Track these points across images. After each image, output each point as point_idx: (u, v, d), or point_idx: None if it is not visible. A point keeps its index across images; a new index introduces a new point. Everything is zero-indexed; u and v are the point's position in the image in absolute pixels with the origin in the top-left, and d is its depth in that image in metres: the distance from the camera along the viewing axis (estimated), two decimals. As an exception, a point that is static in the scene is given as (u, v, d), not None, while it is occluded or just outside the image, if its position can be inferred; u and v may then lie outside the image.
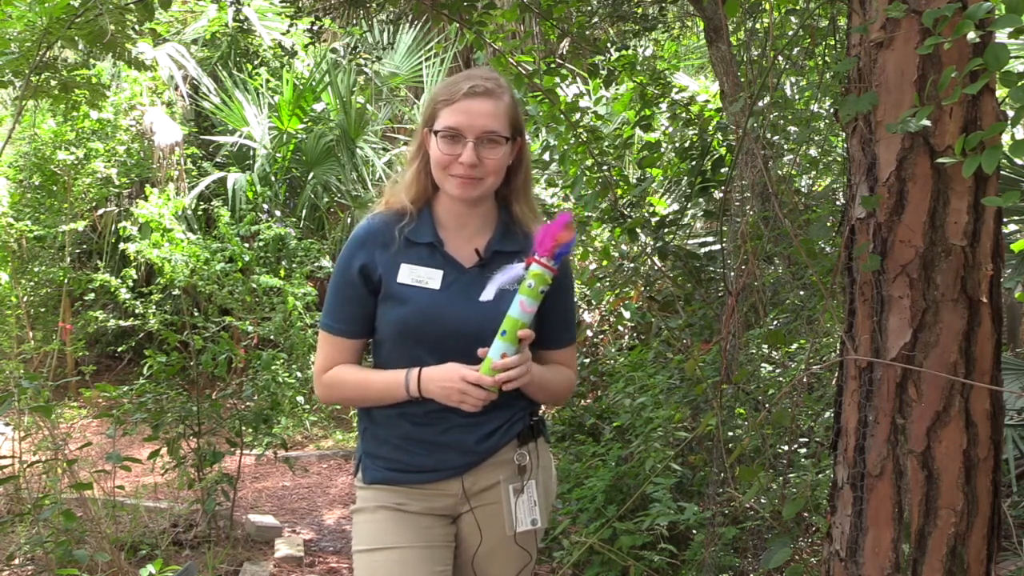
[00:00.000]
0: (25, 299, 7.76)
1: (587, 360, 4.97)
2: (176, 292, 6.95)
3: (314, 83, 8.39)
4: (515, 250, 1.84)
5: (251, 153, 8.39)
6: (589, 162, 3.81)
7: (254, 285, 6.84)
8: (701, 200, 4.53)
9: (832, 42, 3.40)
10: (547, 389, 1.88)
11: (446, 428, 1.81)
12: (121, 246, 7.48)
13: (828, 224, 3.16)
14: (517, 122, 1.85)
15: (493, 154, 1.78)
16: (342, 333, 1.86)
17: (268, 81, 8.51)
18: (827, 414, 3.20)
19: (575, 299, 2.18)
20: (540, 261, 1.72)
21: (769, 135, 3.79)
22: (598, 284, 4.48)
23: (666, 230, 3.96)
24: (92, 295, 7.66)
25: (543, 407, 2.02)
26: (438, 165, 1.80)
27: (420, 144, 1.86)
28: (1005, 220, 3.62)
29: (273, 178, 8.07)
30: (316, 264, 7.32)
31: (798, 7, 3.59)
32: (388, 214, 1.87)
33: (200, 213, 8.11)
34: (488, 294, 1.77)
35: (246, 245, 7.25)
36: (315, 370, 1.91)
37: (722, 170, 4.18)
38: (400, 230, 1.83)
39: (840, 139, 4.51)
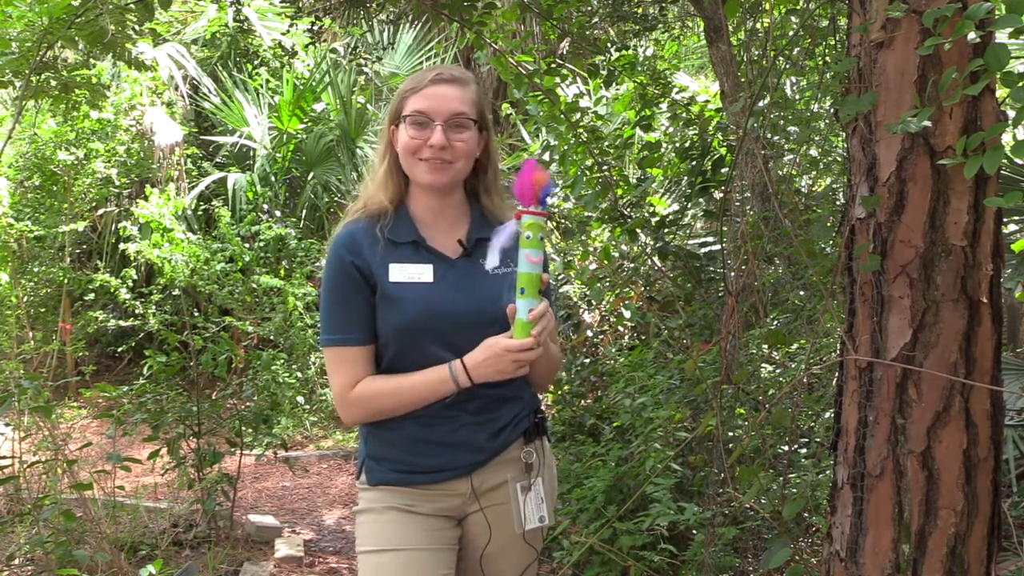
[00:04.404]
0: (25, 299, 7.75)
1: (587, 360, 4.96)
2: (176, 292, 6.95)
3: (314, 83, 8.39)
4: None
5: (251, 153, 8.39)
6: (589, 162, 3.81)
7: (254, 285, 6.85)
8: (701, 200, 4.53)
9: (832, 42, 3.40)
10: (550, 355, 1.84)
11: (456, 427, 1.80)
12: (121, 246, 7.48)
13: (828, 224, 3.16)
14: (484, 113, 1.83)
15: (462, 137, 1.78)
16: (354, 342, 1.78)
17: (268, 81, 8.50)
18: (827, 414, 3.20)
19: (550, 269, 2.17)
20: (529, 211, 1.71)
21: (769, 135, 3.79)
22: (598, 284, 4.48)
23: (666, 230, 3.96)
24: (92, 295, 7.65)
25: (543, 405, 2.01)
26: (407, 151, 1.78)
27: (387, 143, 1.85)
28: (1005, 220, 3.61)
29: (273, 178, 8.07)
30: (316, 264, 7.32)
31: (798, 7, 3.59)
32: (364, 219, 1.84)
33: (200, 213, 8.11)
34: (493, 260, 1.75)
35: (246, 245, 7.25)
36: (338, 392, 1.80)
37: (722, 170, 4.18)
38: (380, 230, 1.81)
39: (840, 139, 4.50)
